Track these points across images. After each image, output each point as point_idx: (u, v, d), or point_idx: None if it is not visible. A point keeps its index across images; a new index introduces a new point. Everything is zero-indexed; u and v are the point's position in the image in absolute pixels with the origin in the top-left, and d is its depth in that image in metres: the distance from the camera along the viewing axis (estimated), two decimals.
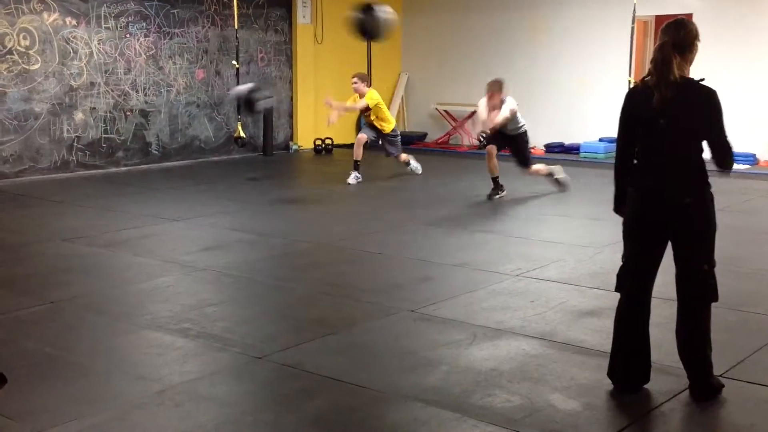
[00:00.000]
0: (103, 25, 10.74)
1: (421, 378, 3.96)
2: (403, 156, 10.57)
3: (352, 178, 10.06)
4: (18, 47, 9.92)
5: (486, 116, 8.85)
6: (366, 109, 10.30)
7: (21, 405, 3.52)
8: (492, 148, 8.81)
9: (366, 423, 3.53)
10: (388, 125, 10.34)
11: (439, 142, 14.34)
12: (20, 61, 9.97)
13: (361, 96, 10.22)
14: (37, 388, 3.78)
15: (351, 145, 13.85)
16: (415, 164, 10.64)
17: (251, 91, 9.73)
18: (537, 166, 9.25)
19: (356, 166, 10.15)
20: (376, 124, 10.32)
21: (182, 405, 3.63)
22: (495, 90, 8.77)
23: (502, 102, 8.74)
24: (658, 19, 12.44)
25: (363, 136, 10.30)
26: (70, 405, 3.63)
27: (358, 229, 7.46)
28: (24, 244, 6.72)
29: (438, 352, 4.33)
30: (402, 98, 14.96)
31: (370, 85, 10.49)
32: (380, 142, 10.46)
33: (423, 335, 4.63)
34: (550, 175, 9.35)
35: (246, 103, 9.93)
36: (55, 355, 4.26)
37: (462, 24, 14.13)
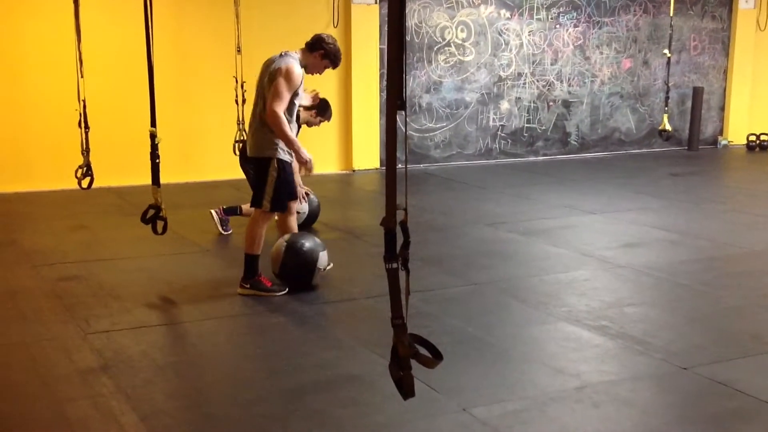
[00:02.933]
0: (535, 17, 10.94)
1: None
2: None
3: None
4: (455, 39, 10.53)
5: None
6: None
7: (447, 380, 3.66)
8: None
9: None
10: None
11: None
12: (456, 52, 10.57)
13: None
14: (461, 365, 3.91)
15: None
16: None
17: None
18: None
19: None
20: None
21: (601, 406, 3.48)
22: None
23: None
24: None
25: None
26: (491, 387, 3.70)
27: None
28: (451, 226, 7.10)
29: None
30: None
31: None
32: None
33: None
34: None
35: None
36: (476, 335, 4.39)
37: None
